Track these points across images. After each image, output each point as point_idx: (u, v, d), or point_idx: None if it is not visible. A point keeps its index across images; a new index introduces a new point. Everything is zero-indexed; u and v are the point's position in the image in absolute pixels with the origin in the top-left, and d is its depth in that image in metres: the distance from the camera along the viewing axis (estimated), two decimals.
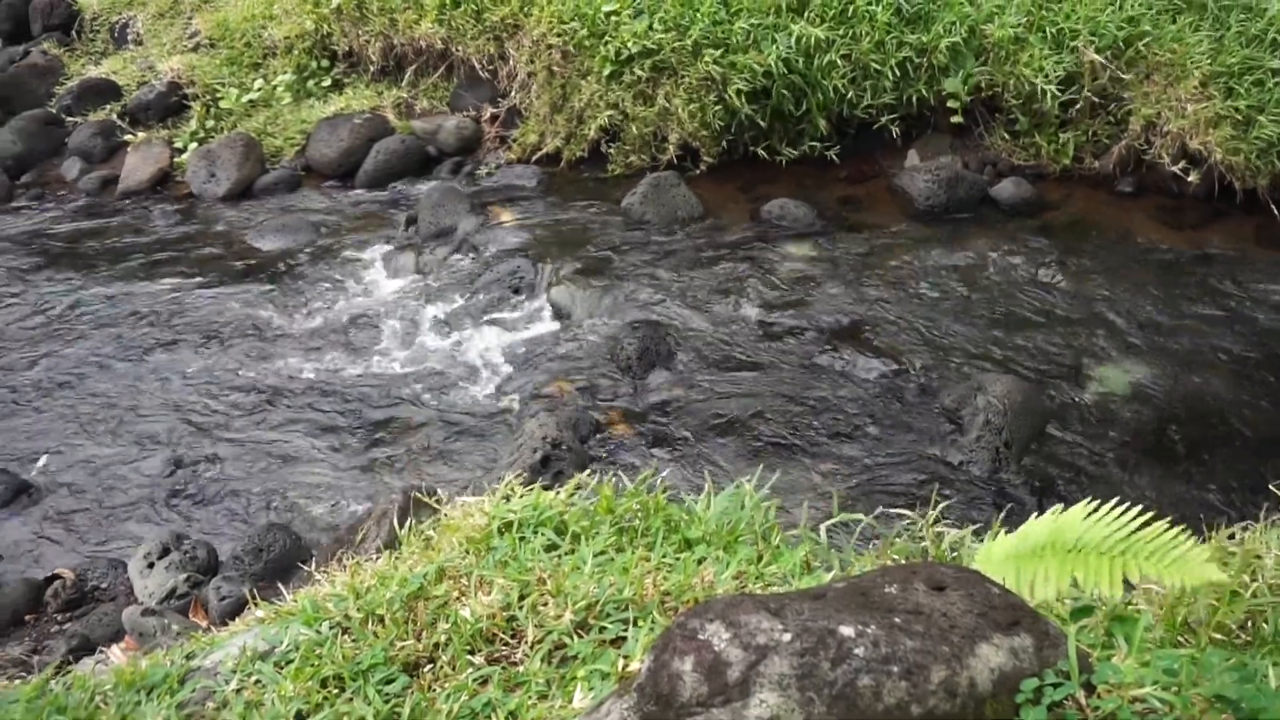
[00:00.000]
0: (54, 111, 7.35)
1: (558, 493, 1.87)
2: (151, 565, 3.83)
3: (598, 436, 4.37)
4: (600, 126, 6.32)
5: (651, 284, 5.25)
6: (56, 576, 3.89)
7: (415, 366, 4.91)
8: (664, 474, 2.03)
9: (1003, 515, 2.21)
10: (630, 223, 5.81)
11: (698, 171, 6.18)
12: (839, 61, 5.89)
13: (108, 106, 7.29)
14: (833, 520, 1.92)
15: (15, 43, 8.35)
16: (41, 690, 1.52)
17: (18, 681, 2.06)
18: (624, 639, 1.40)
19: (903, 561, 1.88)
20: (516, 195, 6.28)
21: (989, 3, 5.96)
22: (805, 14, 6.02)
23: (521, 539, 1.71)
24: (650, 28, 6.06)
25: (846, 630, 1.01)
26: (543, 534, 1.69)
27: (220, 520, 4.17)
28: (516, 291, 5.38)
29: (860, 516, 1.92)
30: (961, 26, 5.88)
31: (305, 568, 3.69)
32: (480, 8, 6.57)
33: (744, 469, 3.92)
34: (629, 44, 6.05)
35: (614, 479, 1.89)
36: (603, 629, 1.43)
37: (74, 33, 8.27)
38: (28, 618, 3.78)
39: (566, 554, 1.65)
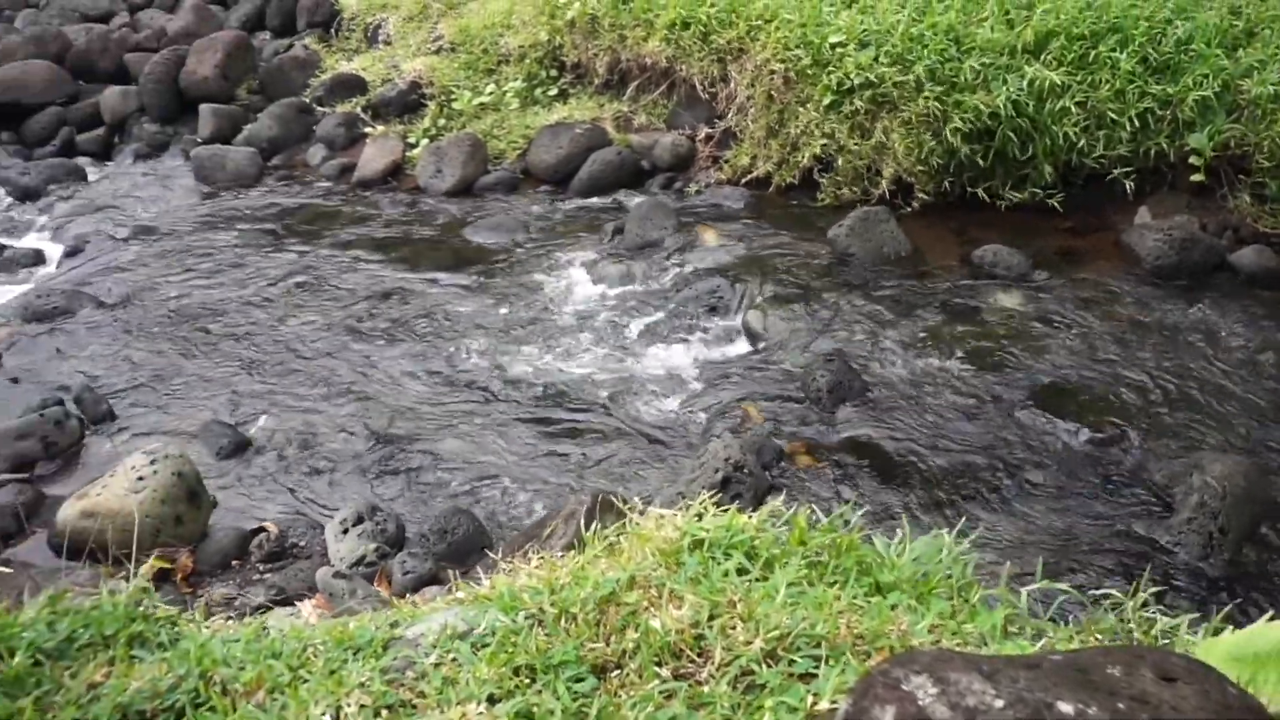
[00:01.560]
0: (307, 101, 7.97)
1: (750, 517, 1.87)
2: (346, 531, 4.04)
3: (780, 464, 4.33)
4: (814, 155, 6.29)
5: (850, 318, 5.17)
6: (262, 529, 4.15)
7: (607, 372, 5.00)
8: (858, 514, 1.99)
9: (1222, 610, 2.04)
10: (835, 255, 5.74)
11: (909, 209, 6.04)
12: (1073, 108, 5.65)
13: (354, 100, 7.83)
14: (1035, 586, 1.83)
15: (282, 36, 9.11)
16: (259, 634, 1.64)
17: (231, 620, 2.22)
18: (814, 675, 1.38)
19: (1106, 642, 1.77)
20: (723, 216, 6.33)
21: (1248, 57, 5.57)
22: (1042, 56, 5.81)
23: (712, 558, 1.71)
24: (875, 60, 5.99)
25: (1065, 708, 0.95)
26: (735, 556, 1.69)
27: (410, 497, 4.35)
28: (713, 310, 5.41)
29: (1065, 587, 1.82)
30: (1214, 80, 5.51)
31: (488, 554, 3.84)
32: (708, 30, 6.68)
33: (932, 518, 3.79)
34: (851, 75, 6.00)
35: (809, 511, 1.87)
36: (792, 662, 1.41)
37: (333, 30, 8.95)
38: (234, 562, 4.04)
39: (757, 580, 1.64)
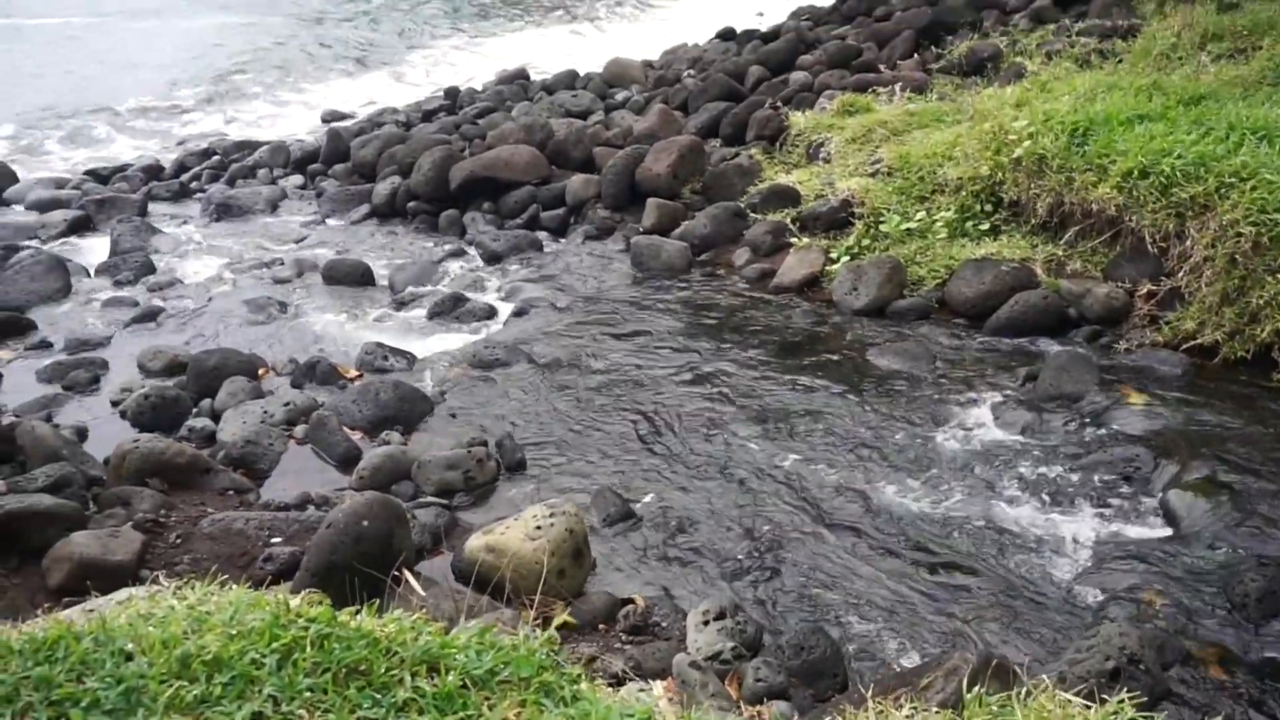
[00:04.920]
0: (742, 206, 8.45)
1: None
2: (707, 623, 4.11)
3: (1184, 669, 3.82)
4: (1277, 330, 5.61)
5: None
6: (631, 601, 4.33)
7: (995, 520, 4.74)
8: None
9: None
10: None
11: None
12: None
13: (785, 210, 8.17)
14: None
15: (731, 145, 9.77)
16: (650, 715, 1.71)
17: (607, 685, 2.34)
18: None
19: None
20: (1153, 380, 5.80)
21: None
22: None
23: None
24: None
25: None
26: None
27: (769, 602, 4.35)
28: (1127, 481, 4.95)
29: None
30: None
31: (841, 680, 3.74)
32: (1170, 182, 6.23)
33: None
34: None
35: None
36: None
37: (777, 144, 9.46)
38: (601, 626, 4.26)
39: None
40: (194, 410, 6.08)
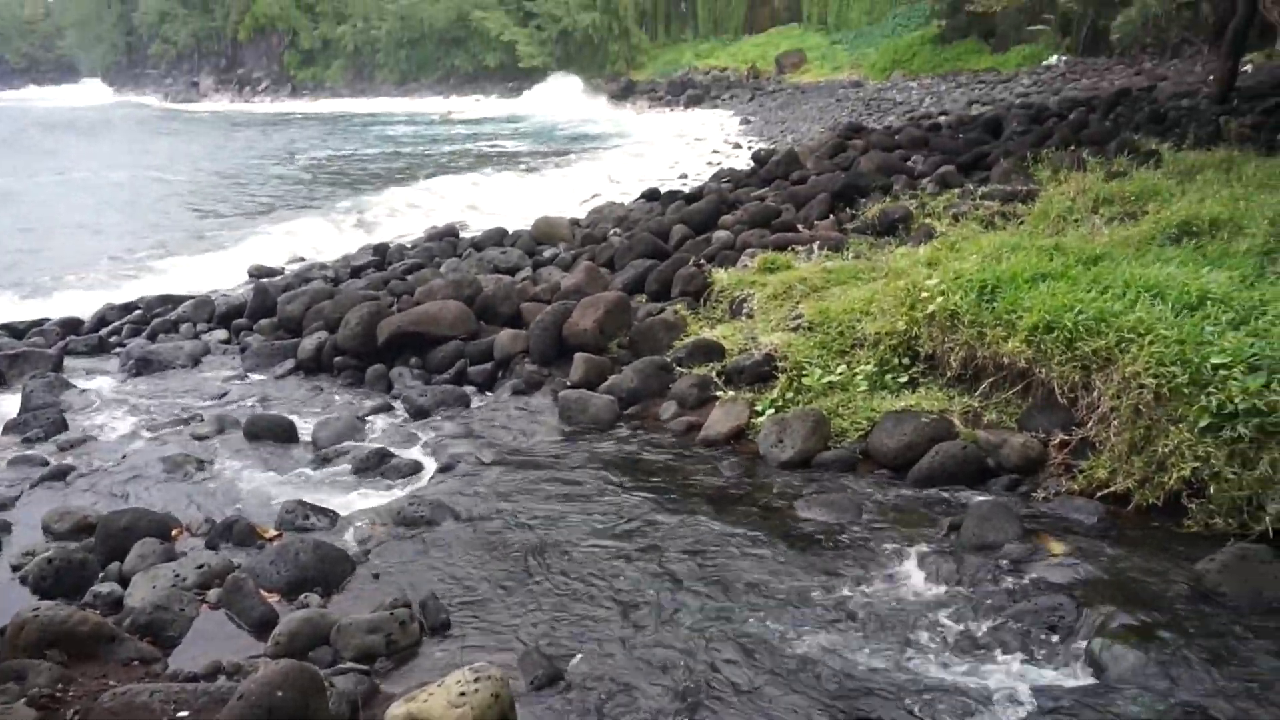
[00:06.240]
0: (668, 360, 8.58)
1: None
2: None
3: None
4: (1183, 477, 5.81)
5: (1217, 667, 4.55)
6: None
7: (925, 676, 4.70)
8: None
9: None
10: (1200, 592, 5.15)
11: None
12: None
13: (710, 364, 8.33)
14: None
15: (656, 300, 10.01)
16: None
17: None
18: None
19: None
20: (1071, 528, 5.92)
21: None
22: None
23: None
24: (1267, 386, 5.54)
25: None
26: None
27: None
28: (1052, 630, 4.98)
29: None
30: None
31: None
32: (1074, 336, 6.54)
33: None
34: (1235, 400, 5.58)
35: None
36: None
37: (701, 300, 9.73)
38: None
39: None
40: (101, 574, 5.81)
